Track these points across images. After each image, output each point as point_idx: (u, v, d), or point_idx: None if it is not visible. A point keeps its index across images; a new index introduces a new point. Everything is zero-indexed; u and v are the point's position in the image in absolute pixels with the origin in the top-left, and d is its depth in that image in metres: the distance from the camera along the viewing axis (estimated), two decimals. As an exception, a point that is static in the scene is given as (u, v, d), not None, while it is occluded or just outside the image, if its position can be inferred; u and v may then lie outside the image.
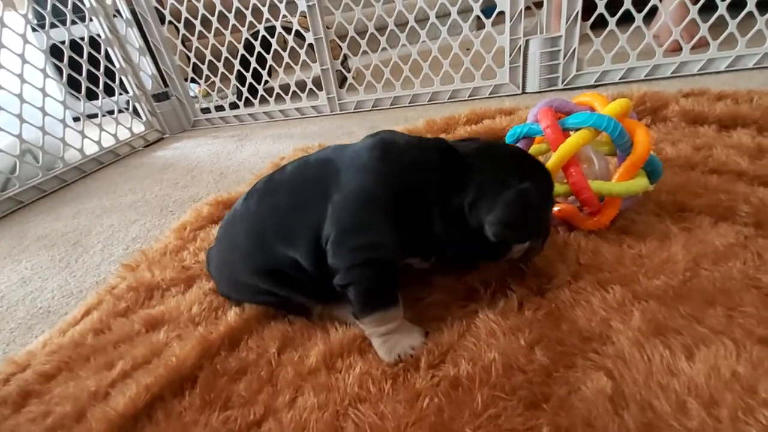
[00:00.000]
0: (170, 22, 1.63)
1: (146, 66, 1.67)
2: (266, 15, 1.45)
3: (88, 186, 1.35)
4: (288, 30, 1.47)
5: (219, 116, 1.78)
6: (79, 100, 1.46)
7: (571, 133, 0.58)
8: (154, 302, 0.62)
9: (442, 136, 0.98)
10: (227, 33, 1.51)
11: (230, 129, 1.71)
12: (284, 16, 1.42)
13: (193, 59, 1.63)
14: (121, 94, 1.61)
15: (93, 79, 1.49)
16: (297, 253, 0.47)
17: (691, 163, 0.68)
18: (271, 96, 1.65)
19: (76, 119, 1.47)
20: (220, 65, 1.60)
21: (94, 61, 1.50)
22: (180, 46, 1.68)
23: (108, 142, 1.57)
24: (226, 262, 0.55)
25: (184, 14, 1.52)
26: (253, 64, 1.57)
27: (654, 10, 1.15)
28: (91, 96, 1.49)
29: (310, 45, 1.45)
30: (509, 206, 0.42)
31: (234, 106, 1.76)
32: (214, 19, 1.49)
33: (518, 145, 0.64)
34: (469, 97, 1.39)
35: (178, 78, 1.72)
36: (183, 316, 0.56)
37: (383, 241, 0.44)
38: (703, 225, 0.54)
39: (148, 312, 0.59)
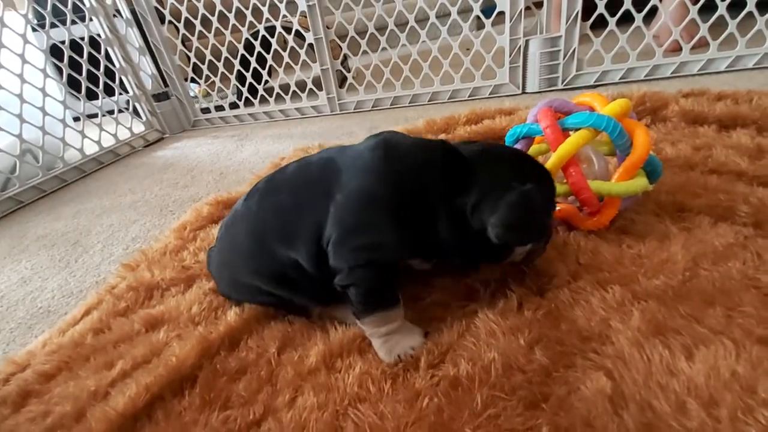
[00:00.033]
0: (170, 22, 1.63)
1: (146, 66, 1.67)
2: (266, 15, 1.45)
3: (88, 186, 1.35)
4: (288, 30, 1.47)
5: (219, 116, 1.78)
6: (79, 99, 1.46)
7: (570, 133, 0.58)
8: (154, 302, 0.62)
9: (442, 136, 0.98)
10: (227, 33, 1.51)
11: (230, 129, 1.71)
12: (284, 16, 1.42)
13: (193, 59, 1.63)
14: (121, 94, 1.61)
15: (93, 78, 1.49)
16: (298, 254, 0.47)
17: (691, 163, 0.68)
18: (271, 96, 1.65)
19: (76, 119, 1.47)
20: (220, 65, 1.60)
21: (94, 61, 1.50)
22: (180, 46, 1.68)
23: (108, 141, 1.57)
24: (227, 263, 0.55)
25: (184, 14, 1.52)
26: (253, 64, 1.57)
27: (654, 10, 1.15)
28: (91, 96, 1.49)
29: (310, 45, 1.45)
30: (512, 208, 0.42)
31: (234, 106, 1.76)
32: (214, 19, 1.49)
33: (518, 145, 0.64)
34: (469, 97, 1.39)
35: (178, 78, 1.72)
36: (183, 316, 0.57)
37: (385, 242, 0.44)
38: (703, 225, 0.55)
39: (148, 312, 0.59)
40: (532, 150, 0.67)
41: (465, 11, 1.27)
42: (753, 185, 0.60)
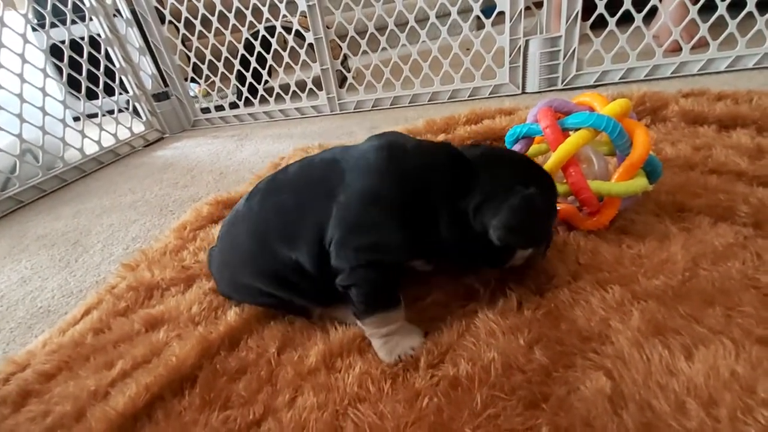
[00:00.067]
0: (170, 22, 1.63)
1: (146, 66, 1.67)
2: (266, 15, 1.45)
3: (88, 186, 1.35)
4: (288, 30, 1.47)
5: (219, 116, 1.78)
6: (79, 99, 1.46)
7: (570, 133, 0.58)
8: (153, 302, 0.62)
9: (442, 136, 0.98)
10: (227, 33, 1.51)
11: (230, 129, 1.71)
12: (284, 15, 1.42)
13: (193, 59, 1.63)
14: (121, 93, 1.61)
15: (93, 78, 1.49)
16: (299, 255, 0.47)
17: (691, 163, 0.68)
18: (271, 96, 1.65)
19: (76, 119, 1.47)
20: (220, 65, 1.60)
21: (94, 61, 1.50)
22: (180, 46, 1.68)
23: (108, 141, 1.57)
24: (228, 263, 0.55)
25: (185, 14, 1.52)
26: (253, 63, 1.57)
27: (654, 11, 1.15)
28: (91, 96, 1.49)
29: (310, 45, 1.45)
30: (514, 211, 0.42)
31: (234, 105, 1.76)
32: (214, 19, 1.49)
33: (518, 145, 0.64)
34: (469, 97, 1.39)
35: (178, 78, 1.72)
36: (183, 316, 0.57)
37: (388, 242, 0.44)
38: (703, 225, 0.55)
39: (147, 311, 0.59)
40: (532, 150, 0.67)
41: (465, 11, 1.27)
42: (753, 185, 0.60)
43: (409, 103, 1.48)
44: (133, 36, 1.61)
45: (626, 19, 1.13)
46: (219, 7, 1.47)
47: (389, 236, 0.44)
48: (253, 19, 1.47)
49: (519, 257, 0.48)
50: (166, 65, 1.68)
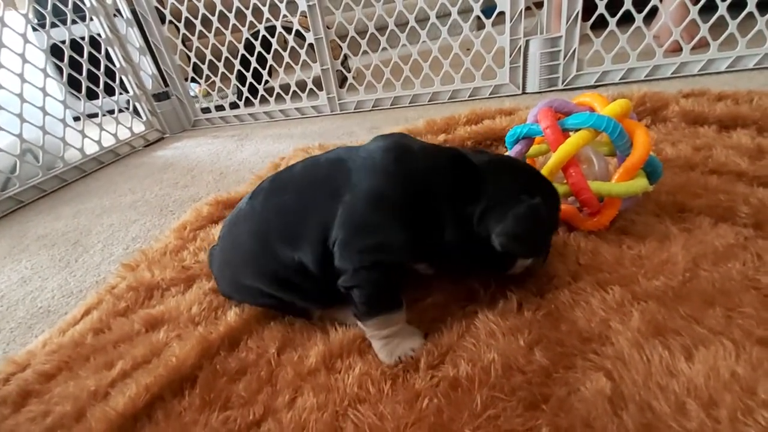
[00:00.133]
0: (171, 22, 1.63)
1: (146, 66, 1.67)
2: (267, 15, 1.45)
3: (88, 185, 1.35)
4: (288, 30, 1.47)
5: (219, 116, 1.78)
6: (80, 99, 1.46)
7: (570, 133, 0.58)
8: (153, 302, 0.62)
9: (443, 136, 0.98)
10: (228, 33, 1.51)
11: (230, 129, 1.71)
12: (285, 15, 1.42)
13: (193, 59, 1.63)
14: (121, 93, 1.61)
15: (93, 78, 1.49)
16: (302, 255, 0.46)
17: (691, 163, 0.68)
18: (271, 96, 1.65)
19: (77, 119, 1.47)
20: (220, 65, 1.60)
21: (94, 61, 1.50)
22: (180, 46, 1.68)
23: (108, 141, 1.57)
24: (229, 262, 0.55)
25: (185, 14, 1.52)
26: (254, 63, 1.57)
27: (654, 11, 1.15)
28: (92, 95, 1.49)
29: (311, 45, 1.45)
30: (519, 220, 0.42)
31: (234, 105, 1.76)
32: (214, 19, 1.49)
33: (518, 145, 0.64)
34: (469, 97, 1.39)
35: (178, 78, 1.72)
36: (183, 316, 0.57)
37: (392, 243, 0.44)
38: (703, 226, 0.54)
39: (147, 312, 0.59)
40: (533, 150, 0.67)
41: (465, 11, 1.27)
42: (753, 186, 0.60)
43: (410, 103, 1.48)
44: (134, 36, 1.61)
45: (627, 20, 1.13)
46: (219, 7, 1.47)
47: (394, 237, 0.44)
48: (253, 19, 1.47)
49: (519, 265, 0.49)
50: (167, 65, 1.68)
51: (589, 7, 1.14)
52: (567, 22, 1.16)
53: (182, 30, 1.56)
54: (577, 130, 0.57)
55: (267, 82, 1.62)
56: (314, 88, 1.56)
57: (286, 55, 1.50)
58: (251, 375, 0.47)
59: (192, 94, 1.82)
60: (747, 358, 0.36)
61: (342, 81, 1.58)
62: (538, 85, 1.29)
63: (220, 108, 1.77)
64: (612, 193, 0.55)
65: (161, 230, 0.90)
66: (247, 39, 1.54)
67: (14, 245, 0.99)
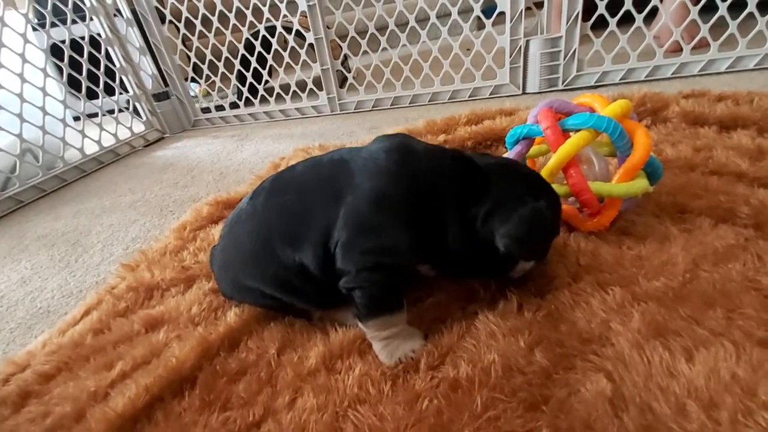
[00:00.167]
0: (171, 22, 1.63)
1: (146, 65, 1.67)
2: (267, 15, 1.45)
3: (88, 185, 1.35)
4: (288, 30, 1.47)
5: (219, 116, 1.78)
6: (80, 99, 1.46)
7: (571, 134, 0.57)
8: (153, 302, 0.62)
9: (443, 136, 0.98)
10: (228, 33, 1.51)
11: (230, 129, 1.71)
12: (285, 15, 1.42)
13: (193, 59, 1.63)
14: (121, 93, 1.61)
15: (93, 78, 1.49)
16: (304, 256, 0.46)
17: (692, 164, 0.68)
18: (271, 96, 1.65)
19: (77, 118, 1.47)
20: (220, 65, 1.60)
21: (94, 61, 1.50)
22: (180, 46, 1.67)
23: (108, 141, 1.57)
24: (230, 263, 0.55)
25: (185, 14, 1.52)
26: (254, 63, 1.57)
27: (654, 11, 1.15)
28: (92, 95, 1.49)
29: (311, 45, 1.45)
30: (524, 222, 0.42)
31: (234, 105, 1.76)
32: (214, 19, 1.49)
33: (518, 146, 0.64)
34: (469, 97, 1.39)
35: (178, 77, 1.72)
36: (183, 317, 0.56)
37: (395, 244, 0.44)
38: (703, 226, 0.54)
39: (147, 312, 0.59)
40: (533, 151, 0.67)
41: (465, 11, 1.27)
42: (754, 186, 0.60)
43: (410, 103, 1.47)
44: (134, 36, 1.61)
45: (627, 20, 1.13)
46: (219, 6, 1.47)
47: (396, 238, 0.44)
48: (253, 19, 1.47)
49: (519, 269, 0.49)
50: (167, 65, 1.68)
51: (589, 8, 1.14)
52: (567, 23, 1.16)
53: (182, 30, 1.56)
54: (577, 131, 0.57)
55: (267, 82, 1.62)
56: (314, 88, 1.56)
57: (286, 55, 1.50)
58: (251, 376, 0.47)
59: (192, 94, 1.82)
60: (747, 359, 0.36)
61: (342, 81, 1.58)
62: (538, 85, 1.29)
63: (220, 108, 1.77)
64: (612, 194, 0.55)
65: (161, 230, 0.90)
66: (247, 39, 1.54)
67: (14, 245, 0.98)
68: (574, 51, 1.21)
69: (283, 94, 1.61)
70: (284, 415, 0.41)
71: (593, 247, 0.55)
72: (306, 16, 1.39)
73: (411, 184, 0.45)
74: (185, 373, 0.47)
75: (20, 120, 1.26)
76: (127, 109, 1.66)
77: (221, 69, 1.60)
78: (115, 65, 1.60)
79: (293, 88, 1.58)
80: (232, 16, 1.48)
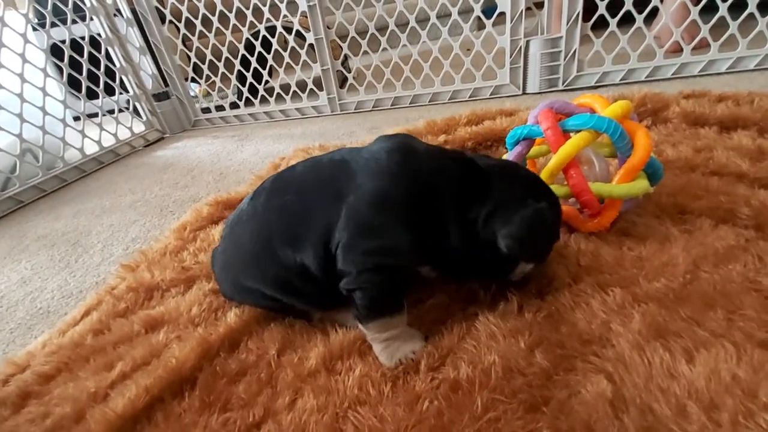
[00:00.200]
0: (171, 22, 1.63)
1: (146, 65, 1.66)
2: (267, 15, 1.45)
3: (88, 186, 1.35)
4: (289, 30, 1.47)
5: (219, 116, 1.78)
6: (80, 99, 1.46)
7: (571, 134, 0.57)
8: (153, 303, 0.62)
9: (443, 136, 0.98)
10: (228, 33, 1.51)
11: (230, 129, 1.71)
12: (285, 16, 1.42)
13: (193, 59, 1.63)
14: (121, 93, 1.61)
15: (93, 78, 1.49)
16: (304, 257, 0.46)
17: (692, 165, 0.68)
18: (271, 96, 1.65)
19: (77, 119, 1.47)
20: (220, 65, 1.60)
21: (94, 61, 1.50)
22: (180, 46, 1.67)
23: (108, 141, 1.57)
24: (231, 264, 0.54)
25: (185, 14, 1.52)
26: (254, 63, 1.56)
27: (655, 11, 1.15)
28: (92, 95, 1.49)
29: (311, 45, 1.45)
30: (525, 222, 0.42)
31: (234, 105, 1.76)
32: (214, 19, 1.49)
33: (518, 146, 0.64)
34: (469, 97, 1.39)
35: (178, 77, 1.71)
36: (183, 317, 0.56)
37: (396, 246, 0.44)
38: (704, 227, 0.54)
39: (147, 313, 0.59)
40: (533, 152, 0.67)
41: (466, 12, 1.27)
42: (754, 187, 0.60)
43: (410, 103, 1.47)
44: (134, 36, 1.61)
45: (627, 20, 1.13)
46: (219, 6, 1.46)
47: (398, 239, 0.44)
48: (253, 19, 1.46)
49: (519, 272, 0.49)
50: (167, 65, 1.68)
51: (589, 8, 1.14)
52: (567, 23, 1.16)
53: (182, 30, 1.56)
54: (577, 132, 0.57)
55: (267, 82, 1.62)
56: (314, 89, 1.56)
57: (286, 55, 1.50)
58: (251, 376, 0.46)
59: (192, 94, 1.82)
60: (748, 360, 0.36)
61: (342, 81, 1.58)
62: (538, 85, 1.29)
63: (220, 108, 1.77)
64: (613, 195, 0.54)
65: (161, 231, 0.90)
66: (247, 39, 1.54)
67: (14, 245, 0.98)
68: (575, 51, 1.21)
69: (283, 95, 1.61)
70: (284, 416, 0.41)
71: (594, 248, 0.55)
72: (306, 16, 1.39)
73: (412, 184, 0.45)
74: (185, 374, 0.47)
75: (20, 120, 1.26)
76: (127, 109, 1.66)
77: (221, 69, 1.60)
78: (115, 65, 1.60)
79: (293, 88, 1.58)
80: (232, 16, 1.48)
